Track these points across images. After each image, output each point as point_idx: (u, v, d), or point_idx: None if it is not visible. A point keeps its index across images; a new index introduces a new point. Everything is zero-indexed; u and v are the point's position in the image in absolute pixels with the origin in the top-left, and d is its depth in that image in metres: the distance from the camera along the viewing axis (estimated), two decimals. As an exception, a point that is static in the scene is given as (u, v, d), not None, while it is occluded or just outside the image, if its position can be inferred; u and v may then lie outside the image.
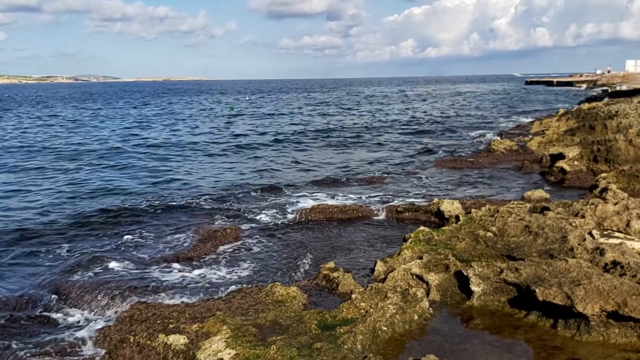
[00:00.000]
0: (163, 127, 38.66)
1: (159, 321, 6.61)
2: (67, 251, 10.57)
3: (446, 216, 10.99)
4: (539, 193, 12.10)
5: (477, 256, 8.00)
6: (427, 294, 7.14)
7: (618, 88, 43.21)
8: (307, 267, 9.20)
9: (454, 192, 14.83)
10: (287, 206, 13.86)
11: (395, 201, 13.76)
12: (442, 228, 9.40)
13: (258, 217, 12.73)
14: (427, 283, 7.35)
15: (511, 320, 6.45)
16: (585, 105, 29.45)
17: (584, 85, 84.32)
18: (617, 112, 21.88)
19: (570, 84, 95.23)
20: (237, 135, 32.50)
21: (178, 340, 6.00)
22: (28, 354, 6.37)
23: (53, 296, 8.23)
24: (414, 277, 7.48)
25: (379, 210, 12.67)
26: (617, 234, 8.77)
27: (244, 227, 11.76)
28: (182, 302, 7.65)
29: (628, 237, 8.59)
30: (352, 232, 11.20)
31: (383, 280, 7.52)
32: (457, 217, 10.38)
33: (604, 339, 5.74)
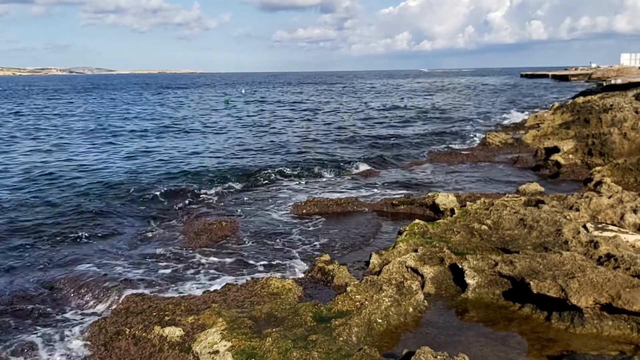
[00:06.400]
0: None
1: (154, 313, 6.62)
2: (61, 243, 10.54)
3: (441, 209, 11.01)
4: (534, 186, 12.13)
5: (472, 249, 8.03)
6: (422, 286, 7.17)
7: (613, 82, 43.24)
8: (302, 260, 9.21)
9: (449, 185, 14.86)
10: (283, 199, 13.87)
11: (391, 194, 13.78)
12: (437, 221, 9.43)
13: (254, 210, 12.74)
14: (422, 276, 7.38)
15: (505, 313, 6.48)
16: (580, 99, 29.52)
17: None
18: (612, 105, 21.94)
19: (566, 77, 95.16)
20: (233, 129, 32.43)
21: (174, 333, 6.01)
22: (21, 350, 6.35)
23: (47, 290, 8.19)
24: (409, 269, 7.51)
25: (374, 203, 12.69)
26: (611, 227, 8.83)
27: (239, 219, 11.76)
28: (177, 294, 7.66)
29: (622, 230, 8.65)
30: (348, 225, 11.21)
31: (378, 273, 7.55)
32: (452, 210, 10.40)
33: (598, 331, 5.79)
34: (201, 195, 14.43)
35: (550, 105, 34.24)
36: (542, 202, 9.87)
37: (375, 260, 8.25)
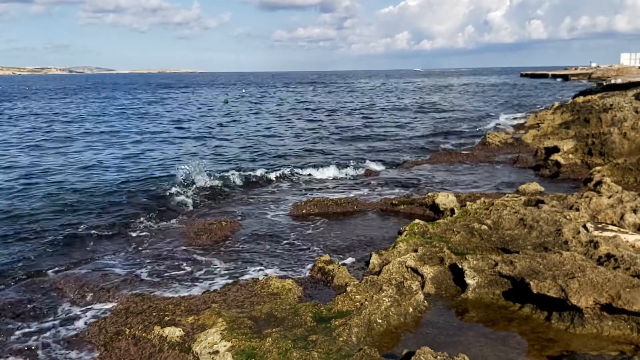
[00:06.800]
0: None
1: (154, 313, 6.61)
2: (60, 243, 10.52)
3: (441, 209, 11.01)
4: (534, 186, 12.13)
5: (472, 249, 8.03)
6: (422, 286, 7.16)
7: (613, 81, 43.25)
8: (302, 260, 9.21)
9: (449, 185, 14.86)
10: (282, 199, 13.87)
11: (391, 194, 13.78)
12: (437, 221, 9.42)
13: (253, 210, 12.74)
14: (422, 276, 7.38)
15: (505, 313, 6.48)
16: (580, 99, 29.52)
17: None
18: (611, 105, 21.94)
19: (566, 77, 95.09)
20: (232, 129, 32.42)
21: (174, 333, 6.00)
22: (19, 351, 6.35)
23: (46, 290, 8.18)
24: (409, 269, 7.51)
25: (374, 203, 12.69)
26: (611, 227, 8.83)
27: (239, 219, 11.76)
28: (177, 294, 7.66)
29: (622, 230, 8.65)
30: (347, 225, 11.21)
31: (378, 273, 7.55)
32: (452, 210, 10.40)
33: (598, 331, 5.79)
34: (201, 195, 14.42)
35: (550, 104, 34.23)
36: (542, 202, 9.87)
37: (375, 260, 8.25)
